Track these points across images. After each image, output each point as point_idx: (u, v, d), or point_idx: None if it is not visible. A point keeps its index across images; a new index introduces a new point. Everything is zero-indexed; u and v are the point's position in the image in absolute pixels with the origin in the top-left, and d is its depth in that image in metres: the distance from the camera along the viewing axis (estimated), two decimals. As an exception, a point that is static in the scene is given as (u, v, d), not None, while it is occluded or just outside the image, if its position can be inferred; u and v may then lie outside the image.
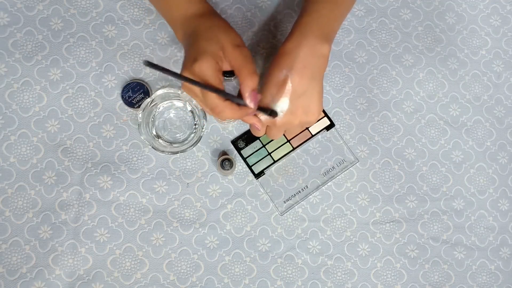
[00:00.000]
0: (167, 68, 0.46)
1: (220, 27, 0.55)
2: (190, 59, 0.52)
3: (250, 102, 0.52)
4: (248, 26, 0.72)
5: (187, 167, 0.69)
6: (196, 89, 0.52)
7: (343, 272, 0.69)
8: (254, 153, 0.70)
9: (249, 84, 0.52)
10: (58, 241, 0.65)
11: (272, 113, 0.55)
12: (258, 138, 0.70)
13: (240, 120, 0.69)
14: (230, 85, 0.69)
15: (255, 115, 0.56)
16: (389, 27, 0.74)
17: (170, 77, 0.70)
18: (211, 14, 0.58)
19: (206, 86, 0.50)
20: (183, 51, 0.68)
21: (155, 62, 0.70)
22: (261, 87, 0.56)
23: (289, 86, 0.54)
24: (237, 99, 0.52)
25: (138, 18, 0.70)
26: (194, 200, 0.68)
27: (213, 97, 0.51)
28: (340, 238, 0.70)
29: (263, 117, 0.56)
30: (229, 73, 0.66)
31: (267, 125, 0.58)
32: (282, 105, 0.55)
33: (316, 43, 0.55)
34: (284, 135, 0.70)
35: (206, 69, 0.51)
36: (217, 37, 0.53)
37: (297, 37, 0.56)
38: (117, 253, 0.66)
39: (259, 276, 0.68)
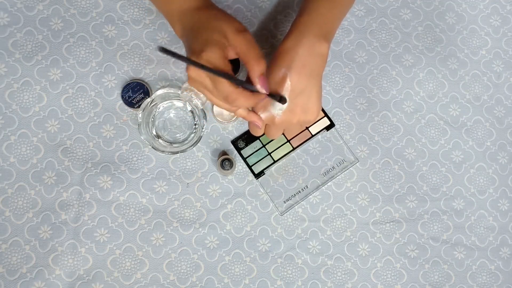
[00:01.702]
0: (182, 55, 0.46)
1: (219, 16, 0.55)
2: (195, 52, 0.52)
3: (261, 87, 0.52)
4: (248, 26, 0.72)
5: (187, 167, 0.69)
6: (206, 81, 0.52)
7: (343, 272, 0.69)
8: (254, 153, 0.69)
9: (257, 69, 0.52)
10: (58, 241, 0.65)
11: (282, 100, 0.55)
12: (258, 138, 0.70)
13: (240, 119, 0.69)
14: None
15: (255, 112, 0.56)
16: (389, 27, 0.74)
17: (170, 77, 0.70)
18: (209, 6, 0.58)
19: (219, 72, 0.49)
20: (184, 50, 0.68)
21: (154, 62, 0.70)
22: None
23: (287, 84, 0.54)
24: (248, 85, 0.52)
25: (138, 18, 0.70)
26: (194, 200, 0.68)
27: (226, 85, 0.50)
28: (340, 238, 0.70)
29: (264, 115, 0.56)
30: (233, 70, 0.66)
31: (266, 124, 0.58)
32: (280, 104, 0.55)
33: (315, 42, 0.55)
34: (284, 135, 0.70)
35: (214, 58, 0.50)
36: (218, 25, 0.53)
37: (296, 35, 0.56)
38: (117, 253, 0.66)
39: (259, 276, 0.68)
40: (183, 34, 0.58)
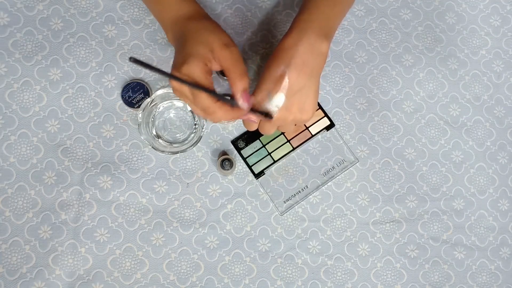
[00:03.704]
0: (155, 66, 0.46)
1: (208, 28, 0.55)
2: (179, 62, 0.52)
3: (242, 103, 0.52)
4: (248, 26, 0.72)
5: (187, 167, 0.69)
6: (186, 90, 0.52)
7: (343, 272, 0.69)
8: (254, 153, 0.70)
9: (239, 85, 0.52)
10: (58, 241, 0.65)
11: (267, 115, 0.55)
12: (258, 138, 0.70)
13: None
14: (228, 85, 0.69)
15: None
16: (389, 27, 0.74)
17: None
18: (201, 16, 0.58)
19: (196, 85, 0.50)
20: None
21: (154, 63, 0.70)
22: (258, 82, 0.56)
23: (286, 81, 0.54)
24: (228, 100, 0.52)
25: (138, 18, 0.70)
26: (194, 200, 0.68)
27: (204, 97, 0.51)
28: (340, 238, 0.70)
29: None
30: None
31: (261, 120, 0.58)
32: (277, 101, 0.55)
33: (316, 40, 0.55)
34: (284, 136, 0.70)
35: (194, 71, 0.51)
36: (205, 38, 0.53)
37: (296, 33, 0.55)
38: (117, 253, 0.66)
39: (259, 276, 0.68)
40: (174, 41, 0.58)
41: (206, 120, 0.65)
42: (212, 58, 0.52)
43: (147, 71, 0.69)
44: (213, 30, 0.55)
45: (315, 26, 0.56)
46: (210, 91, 0.50)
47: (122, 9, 0.70)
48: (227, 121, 0.69)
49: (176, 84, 0.52)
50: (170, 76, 0.49)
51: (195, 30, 0.55)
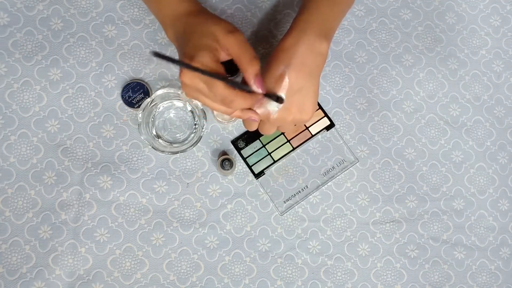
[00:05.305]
0: (177, 59, 0.46)
1: (209, 19, 0.55)
2: (187, 57, 0.52)
3: (257, 88, 0.52)
4: (248, 26, 0.72)
5: (187, 167, 0.69)
6: (201, 85, 0.51)
7: (343, 272, 0.69)
8: (254, 153, 0.70)
9: (250, 70, 0.51)
10: (58, 241, 0.65)
11: (279, 99, 0.55)
12: (258, 138, 0.70)
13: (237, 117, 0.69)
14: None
15: (250, 108, 0.56)
16: (389, 27, 0.74)
17: (170, 77, 0.70)
18: (201, 11, 0.58)
19: (215, 74, 0.49)
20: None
21: (153, 63, 0.70)
22: None
23: (285, 81, 0.54)
24: (243, 86, 0.51)
25: (138, 18, 0.70)
26: (194, 200, 0.68)
27: (221, 87, 0.50)
28: (340, 238, 0.70)
29: (260, 110, 0.56)
30: (231, 72, 0.66)
31: (261, 120, 0.58)
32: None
33: (315, 40, 0.55)
34: (284, 136, 0.70)
35: (206, 62, 0.50)
36: (209, 29, 0.53)
37: (296, 33, 0.55)
38: (117, 253, 0.66)
39: (259, 276, 0.68)
40: (176, 38, 0.58)
41: (206, 120, 0.65)
42: (219, 47, 0.52)
43: (151, 70, 0.69)
44: (214, 21, 0.54)
45: (314, 26, 0.56)
46: (227, 79, 0.50)
47: (122, 9, 0.70)
48: (227, 121, 0.69)
49: (188, 80, 0.51)
50: (193, 67, 0.48)
51: (197, 24, 0.55)
